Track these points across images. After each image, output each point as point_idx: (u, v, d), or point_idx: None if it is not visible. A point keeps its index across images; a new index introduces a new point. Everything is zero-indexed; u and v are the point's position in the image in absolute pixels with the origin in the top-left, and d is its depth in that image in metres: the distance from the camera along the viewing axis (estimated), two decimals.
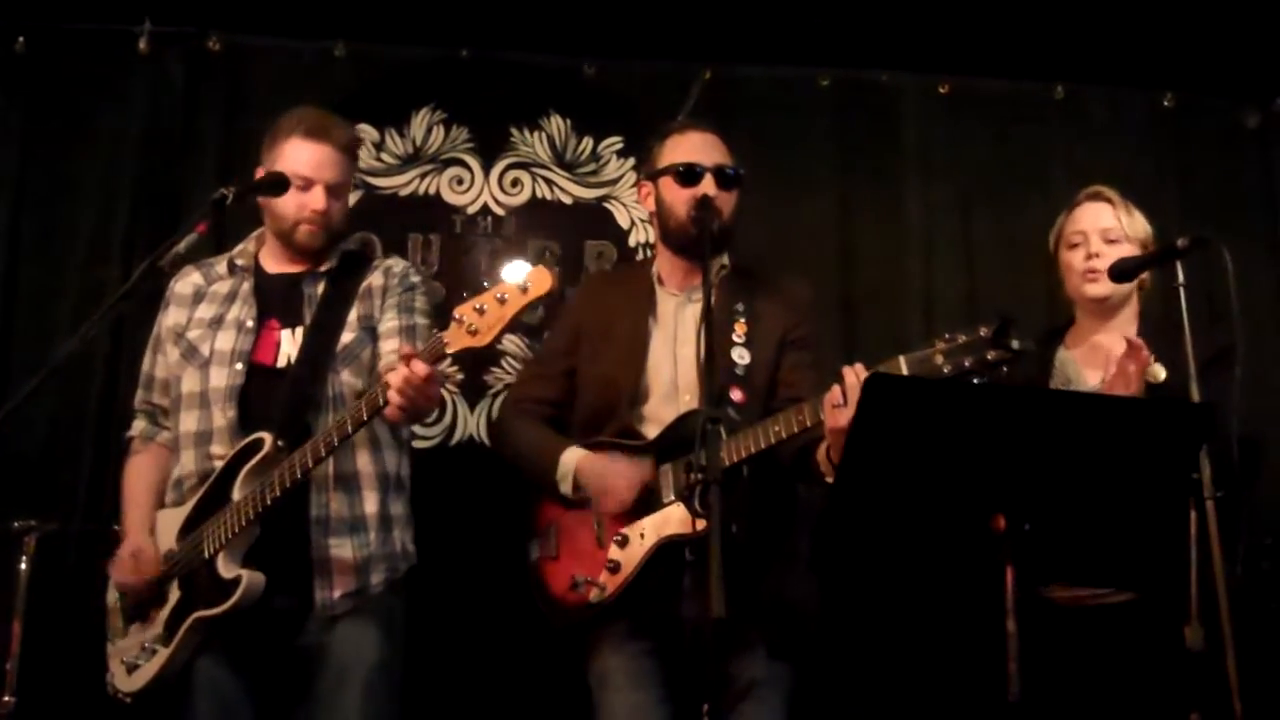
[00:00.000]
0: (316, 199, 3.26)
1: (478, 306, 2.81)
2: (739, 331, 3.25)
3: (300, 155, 3.26)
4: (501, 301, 2.79)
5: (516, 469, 3.41)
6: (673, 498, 3.10)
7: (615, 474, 3.15)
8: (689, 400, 3.21)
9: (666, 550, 3.08)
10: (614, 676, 3.17)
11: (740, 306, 3.27)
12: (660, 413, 3.24)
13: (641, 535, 3.12)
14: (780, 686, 3.16)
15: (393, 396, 2.87)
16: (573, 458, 3.21)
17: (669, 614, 3.07)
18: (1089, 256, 3.41)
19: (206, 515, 3.12)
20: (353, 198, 4.38)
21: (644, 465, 3.14)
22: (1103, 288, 3.38)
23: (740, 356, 3.22)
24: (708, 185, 3.24)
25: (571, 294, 3.91)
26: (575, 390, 3.40)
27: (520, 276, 2.80)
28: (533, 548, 3.32)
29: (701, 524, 2.97)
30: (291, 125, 3.30)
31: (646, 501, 3.13)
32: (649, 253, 4.26)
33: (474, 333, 2.81)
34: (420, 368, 2.84)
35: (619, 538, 3.14)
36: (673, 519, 3.09)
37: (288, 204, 3.27)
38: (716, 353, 2.94)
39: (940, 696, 3.90)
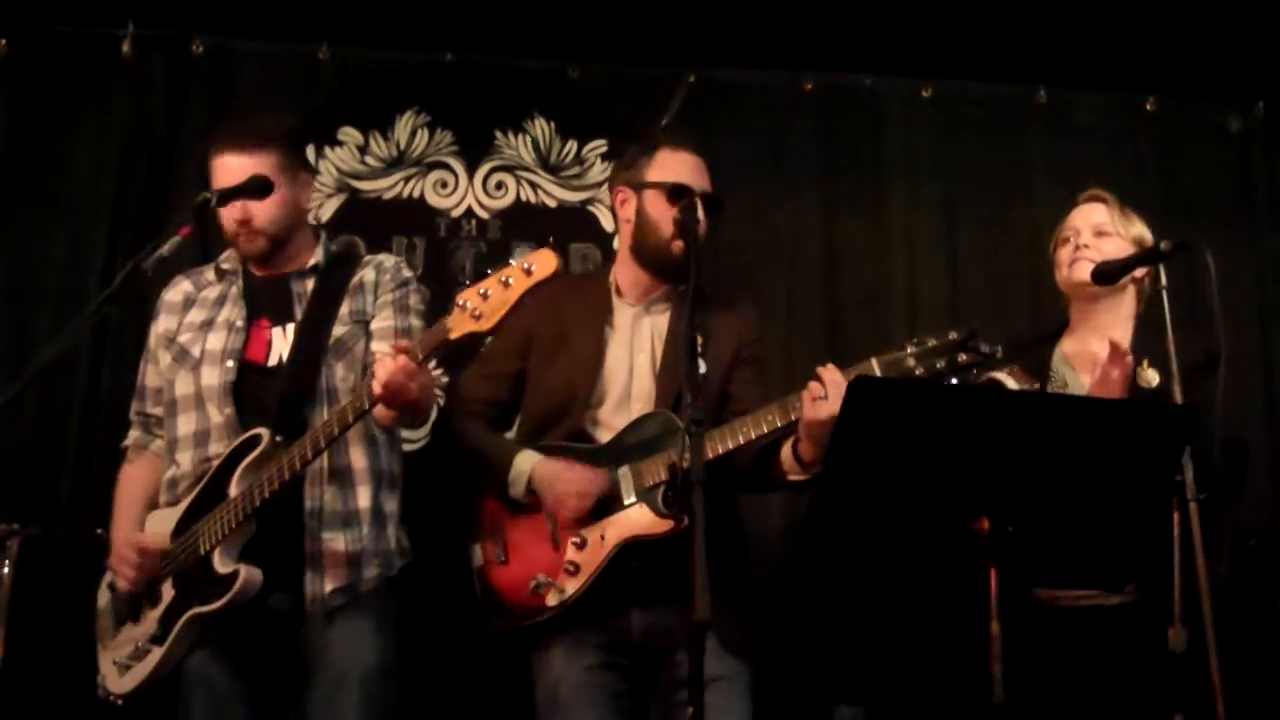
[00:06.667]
0: (236, 210, 3.25)
1: (482, 291, 2.77)
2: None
3: (217, 173, 3.26)
4: (506, 285, 2.75)
5: (465, 468, 3.38)
6: (634, 499, 3.09)
7: (574, 481, 3.13)
8: (640, 408, 3.23)
9: (616, 556, 3.09)
10: (563, 691, 3.15)
11: (696, 321, 3.28)
12: (612, 420, 3.25)
13: (601, 537, 3.10)
14: (740, 681, 3.14)
15: (376, 387, 2.86)
16: (527, 462, 3.20)
17: (618, 623, 3.12)
18: (1077, 247, 3.45)
19: (202, 512, 3.11)
20: (337, 201, 4.42)
21: (599, 474, 3.12)
22: (1086, 272, 3.38)
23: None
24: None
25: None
26: (522, 393, 3.41)
27: (524, 258, 2.76)
28: (476, 552, 3.28)
29: (667, 525, 3.03)
30: (212, 146, 3.31)
31: (605, 504, 3.11)
32: None
33: (478, 317, 2.77)
34: (405, 360, 2.84)
35: (577, 540, 3.11)
36: (635, 520, 3.09)
37: (225, 220, 3.29)
38: (678, 364, 2.99)
39: (925, 698, 3.91)
